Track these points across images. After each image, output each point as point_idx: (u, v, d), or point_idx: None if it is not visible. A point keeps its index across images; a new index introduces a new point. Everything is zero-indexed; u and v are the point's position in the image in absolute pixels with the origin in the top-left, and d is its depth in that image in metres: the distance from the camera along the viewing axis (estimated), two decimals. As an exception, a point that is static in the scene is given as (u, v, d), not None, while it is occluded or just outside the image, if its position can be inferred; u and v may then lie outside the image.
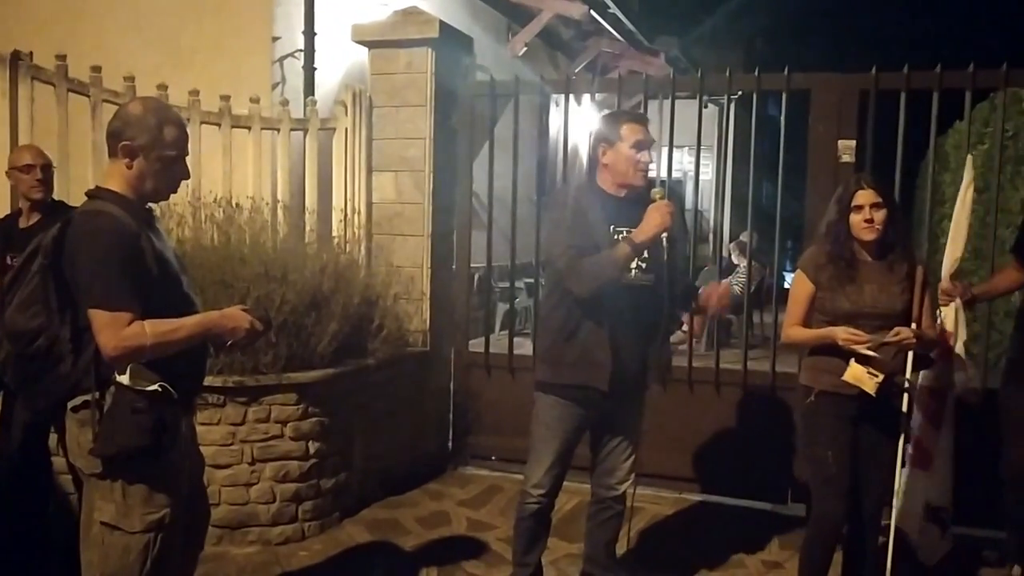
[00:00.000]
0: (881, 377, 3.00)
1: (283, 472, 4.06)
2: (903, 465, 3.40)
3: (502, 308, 6.73)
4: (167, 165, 2.33)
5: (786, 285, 11.06)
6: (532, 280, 7.01)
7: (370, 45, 5.02)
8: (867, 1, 18.36)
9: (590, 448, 3.35)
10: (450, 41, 4.99)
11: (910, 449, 3.56)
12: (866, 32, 17.27)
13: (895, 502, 3.41)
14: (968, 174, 3.58)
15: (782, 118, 4.70)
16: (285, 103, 5.01)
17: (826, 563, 3.24)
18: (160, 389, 2.25)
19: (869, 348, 2.99)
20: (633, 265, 3.04)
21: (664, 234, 2.94)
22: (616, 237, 3.01)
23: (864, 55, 5.33)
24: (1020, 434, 3.53)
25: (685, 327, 5.28)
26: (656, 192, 2.98)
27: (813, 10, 17.23)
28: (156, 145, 2.29)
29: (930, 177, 5.15)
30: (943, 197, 6.53)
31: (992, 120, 5.43)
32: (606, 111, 3.63)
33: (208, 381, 3.84)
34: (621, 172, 3.07)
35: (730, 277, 8.51)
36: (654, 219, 2.90)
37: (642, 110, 4.94)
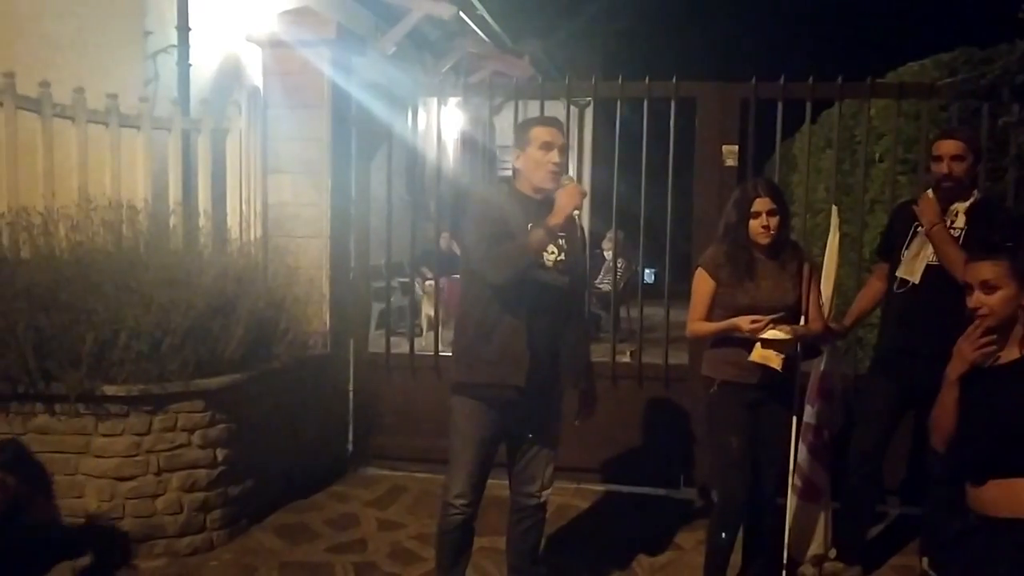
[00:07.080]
0: (784, 355, 3.28)
1: (191, 481, 3.96)
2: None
3: (377, 307, 6.70)
4: None
5: (647, 280, 11.59)
6: (407, 279, 7.08)
7: (264, 45, 4.92)
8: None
9: (508, 456, 3.31)
10: (346, 41, 4.97)
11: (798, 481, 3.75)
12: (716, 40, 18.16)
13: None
14: (835, 220, 3.77)
15: (644, 122, 4.80)
16: (174, 102, 4.84)
17: (732, 542, 3.47)
18: None
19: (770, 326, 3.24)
20: (551, 263, 3.08)
21: (576, 212, 3.00)
22: None
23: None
24: (869, 419, 3.83)
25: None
26: (566, 179, 3.07)
27: (669, 12, 18.06)
28: None
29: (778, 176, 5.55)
30: (793, 197, 7.06)
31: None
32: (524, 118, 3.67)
33: (112, 391, 3.77)
34: (531, 174, 3.12)
35: (600, 275, 8.85)
36: (563, 200, 2.96)
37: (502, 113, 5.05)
